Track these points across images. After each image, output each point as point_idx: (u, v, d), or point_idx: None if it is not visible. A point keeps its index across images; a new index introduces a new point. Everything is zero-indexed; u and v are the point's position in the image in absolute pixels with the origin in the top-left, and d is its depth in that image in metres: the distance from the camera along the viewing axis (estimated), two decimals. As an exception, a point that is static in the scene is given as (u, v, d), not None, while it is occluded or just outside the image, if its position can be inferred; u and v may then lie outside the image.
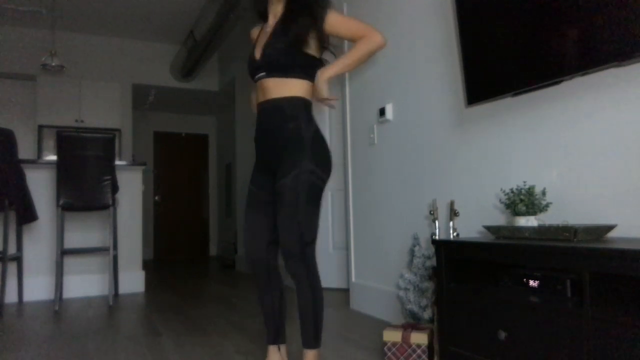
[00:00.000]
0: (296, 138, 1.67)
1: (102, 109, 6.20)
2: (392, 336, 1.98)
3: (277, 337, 1.82)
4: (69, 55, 6.08)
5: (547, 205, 1.71)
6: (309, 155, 1.65)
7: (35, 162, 3.91)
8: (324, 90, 1.65)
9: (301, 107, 1.69)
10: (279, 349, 1.84)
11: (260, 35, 1.82)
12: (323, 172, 1.68)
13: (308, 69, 1.71)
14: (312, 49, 1.72)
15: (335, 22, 1.69)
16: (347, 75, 3.35)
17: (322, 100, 1.69)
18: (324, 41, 1.74)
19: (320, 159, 1.68)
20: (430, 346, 1.94)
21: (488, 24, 1.96)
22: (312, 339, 1.68)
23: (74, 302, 3.76)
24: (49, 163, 3.91)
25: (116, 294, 4.01)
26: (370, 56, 1.71)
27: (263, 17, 1.83)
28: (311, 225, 1.65)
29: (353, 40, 1.70)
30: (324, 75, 1.65)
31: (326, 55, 1.84)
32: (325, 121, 4.12)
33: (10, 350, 2.37)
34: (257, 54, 1.75)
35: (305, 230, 1.64)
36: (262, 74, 1.72)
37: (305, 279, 1.65)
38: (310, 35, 1.68)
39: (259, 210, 1.77)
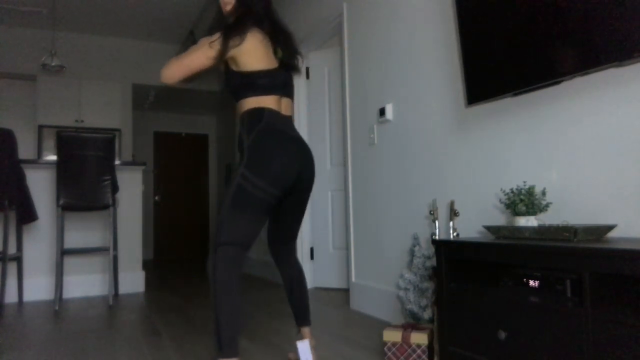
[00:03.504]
0: (241, 148, 1.77)
1: (102, 109, 6.19)
2: (392, 336, 1.98)
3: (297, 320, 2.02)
4: (69, 55, 6.07)
5: (547, 205, 1.71)
6: (244, 161, 1.71)
7: (35, 162, 3.91)
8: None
9: (244, 121, 1.77)
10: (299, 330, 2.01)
11: None
12: (255, 177, 1.68)
13: (244, 86, 1.77)
14: (241, 65, 1.76)
15: None
16: (347, 74, 3.35)
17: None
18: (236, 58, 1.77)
19: (254, 164, 1.69)
20: (430, 346, 1.94)
21: (488, 24, 1.96)
22: (215, 343, 1.63)
23: (74, 302, 3.76)
24: (49, 163, 3.91)
25: (116, 294, 4.01)
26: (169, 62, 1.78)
27: None
28: (230, 226, 1.66)
29: None
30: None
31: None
32: (326, 121, 4.13)
33: (10, 350, 2.37)
34: None
35: (222, 230, 1.66)
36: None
37: (210, 276, 1.67)
38: (223, 55, 1.74)
39: None
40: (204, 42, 1.74)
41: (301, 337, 2.00)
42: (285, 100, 1.84)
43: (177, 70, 1.72)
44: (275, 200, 1.74)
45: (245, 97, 1.77)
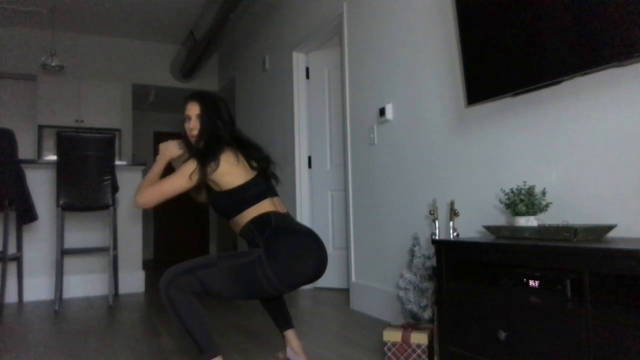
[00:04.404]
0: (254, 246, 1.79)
1: (102, 109, 6.19)
2: (392, 336, 1.98)
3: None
4: (69, 55, 6.07)
5: (547, 205, 1.71)
6: (264, 249, 1.70)
7: (35, 162, 3.91)
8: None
9: (251, 230, 1.77)
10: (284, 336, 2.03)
11: None
12: (271, 270, 1.65)
13: (235, 203, 1.79)
14: (222, 185, 1.77)
15: None
16: (347, 74, 3.35)
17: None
18: (218, 175, 1.76)
19: (274, 259, 1.67)
20: (430, 346, 1.94)
21: (488, 24, 1.96)
22: (196, 350, 1.64)
23: (74, 302, 3.76)
24: (49, 163, 3.91)
25: (116, 294, 4.01)
26: (141, 183, 1.80)
27: None
28: (214, 279, 1.63)
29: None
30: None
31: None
32: (326, 121, 4.13)
33: (10, 350, 2.37)
34: None
35: (205, 270, 1.63)
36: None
37: (166, 301, 1.65)
38: (204, 182, 1.77)
39: None
40: (181, 170, 1.74)
41: (286, 343, 2.01)
42: (276, 200, 1.87)
43: (154, 197, 1.72)
44: (276, 293, 1.73)
45: (241, 212, 1.78)
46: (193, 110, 1.87)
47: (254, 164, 1.86)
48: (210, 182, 1.78)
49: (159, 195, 1.72)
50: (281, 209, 1.85)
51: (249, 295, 1.72)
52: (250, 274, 1.66)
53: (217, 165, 1.73)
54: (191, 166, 1.72)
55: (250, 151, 1.89)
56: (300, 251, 1.72)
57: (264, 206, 1.79)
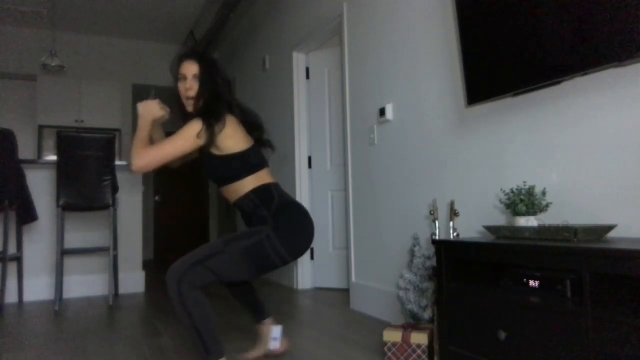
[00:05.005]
0: (258, 220, 1.76)
1: (102, 109, 6.20)
2: (392, 336, 1.98)
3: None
4: (69, 55, 6.07)
5: (547, 205, 1.71)
6: (271, 225, 1.72)
7: (35, 162, 3.91)
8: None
9: (254, 200, 1.76)
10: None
11: None
12: (280, 243, 1.68)
13: (238, 169, 1.76)
14: (224, 149, 1.74)
15: None
16: (347, 74, 3.35)
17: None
18: (222, 137, 1.72)
19: (282, 232, 1.70)
20: (430, 346, 1.94)
21: (488, 24, 1.96)
22: (201, 349, 1.62)
23: (74, 302, 3.76)
24: (49, 163, 3.91)
25: (116, 294, 4.01)
26: (133, 147, 1.71)
27: None
28: (225, 265, 1.62)
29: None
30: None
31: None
32: (326, 121, 4.13)
33: (10, 350, 2.37)
34: None
35: (216, 258, 1.62)
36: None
37: (174, 294, 1.63)
38: (211, 143, 1.72)
39: None
40: (186, 131, 1.68)
41: (264, 334, 2.03)
42: (270, 171, 1.88)
43: (155, 159, 1.66)
44: (283, 265, 1.76)
45: (240, 179, 1.76)
46: (190, 69, 1.79)
47: (254, 133, 1.85)
48: (212, 145, 1.73)
49: (160, 157, 1.66)
50: (275, 180, 1.87)
51: (260, 273, 1.74)
52: (261, 251, 1.67)
53: (224, 126, 1.68)
54: (196, 126, 1.66)
55: (248, 117, 1.86)
56: (301, 223, 1.76)
57: (263, 176, 1.79)
